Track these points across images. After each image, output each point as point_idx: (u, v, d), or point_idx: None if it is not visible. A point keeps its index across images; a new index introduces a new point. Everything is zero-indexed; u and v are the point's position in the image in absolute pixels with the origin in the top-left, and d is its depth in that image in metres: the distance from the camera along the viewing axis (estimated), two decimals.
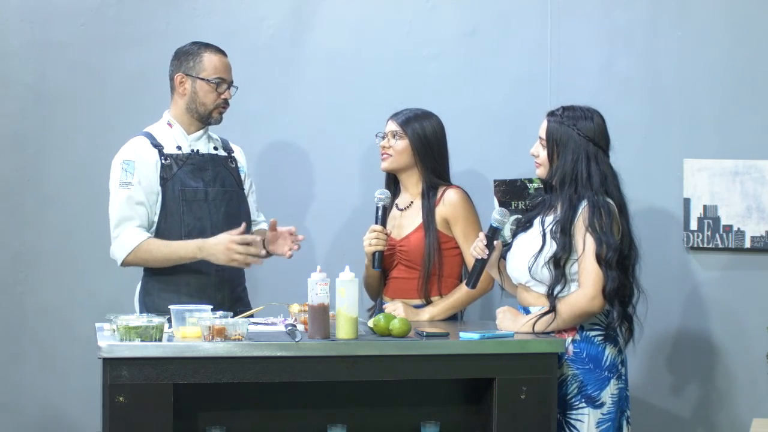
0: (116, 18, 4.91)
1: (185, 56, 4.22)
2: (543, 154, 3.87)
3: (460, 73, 4.97)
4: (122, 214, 4.13)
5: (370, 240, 4.21)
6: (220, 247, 4.03)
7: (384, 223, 4.24)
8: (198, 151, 4.24)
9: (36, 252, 4.90)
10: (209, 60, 4.20)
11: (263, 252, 4.13)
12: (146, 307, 4.19)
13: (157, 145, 4.19)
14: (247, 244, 4.03)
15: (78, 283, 4.88)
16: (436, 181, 4.26)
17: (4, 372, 4.89)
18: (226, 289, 4.23)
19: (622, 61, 4.91)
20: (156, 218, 4.16)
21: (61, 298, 4.90)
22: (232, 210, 4.25)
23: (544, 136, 3.86)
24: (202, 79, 4.19)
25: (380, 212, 4.24)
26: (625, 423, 3.85)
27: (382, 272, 4.30)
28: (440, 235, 4.21)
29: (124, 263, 4.15)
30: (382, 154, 4.30)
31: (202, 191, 4.20)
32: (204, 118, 4.23)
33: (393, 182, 4.38)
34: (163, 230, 4.16)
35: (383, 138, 4.30)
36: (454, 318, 4.23)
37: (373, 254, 4.21)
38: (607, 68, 4.91)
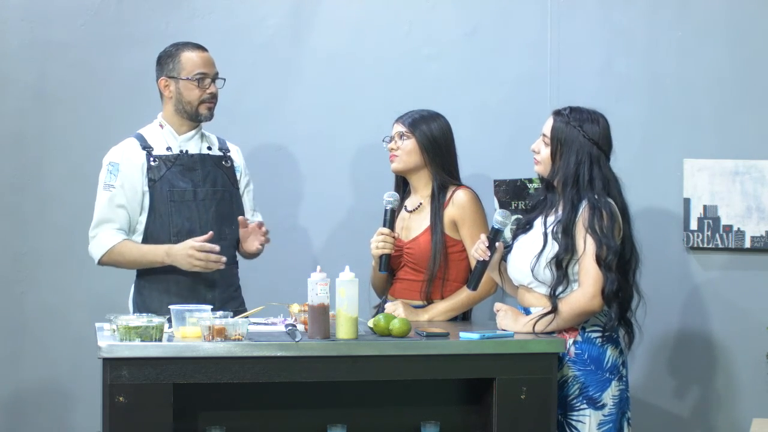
0: (116, 18, 4.91)
1: (165, 59, 4.25)
2: (545, 151, 3.86)
3: (460, 73, 4.97)
4: (102, 215, 4.19)
5: (377, 243, 4.19)
6: (183, 252, 4.08)
7: (392, 227, 4.22)
8: (187, 151, 4.25)
9: (36, 252, 4.90)
10: (187, 58, 4.21)
11: (224, 258, 4.11)
12: (138, 306, 4.22)
13: (146, 147, 4.21)
14: (208, 251, 4.06)
15: (78, 283, 4.88)
16: (447, 180, 4.23)
17: (4, 372, 4.89)
18: (218, 289, 4.23)
19: (622, 61, 4.91)
20: (144, 219, 4.18)
21: (61, 298, 4.90)
22: (223, 209, 4.25)
23: (548, 134, 3.85)
24: (184, 78, 4.20)
25: (388, 215, 4.22)
26: (626, 424, 3.84)
27: (389, 272, 4.29)
28: (447, 238, 4.19)
29: (100, 263, 4.22)
30: (391, 157, 4.28)
31: (190, 191, 4.21)
32: (193, 116, 4.24)
33: (402, 184, 4.36)
34: (152, 231, 4.18)
35: (390, 140, 4.28)
36: (455, 318, 4.22)
37: (380, 257, 4.20)
38: (607, 68, 4.91)
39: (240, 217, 4.24)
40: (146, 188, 4.18)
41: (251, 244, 4.25)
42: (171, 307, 3.69)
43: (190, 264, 4.08)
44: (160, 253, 4.13)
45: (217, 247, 4.09)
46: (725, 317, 4.83)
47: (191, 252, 4.07)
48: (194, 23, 4.92)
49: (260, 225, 4.23)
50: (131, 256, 4.16)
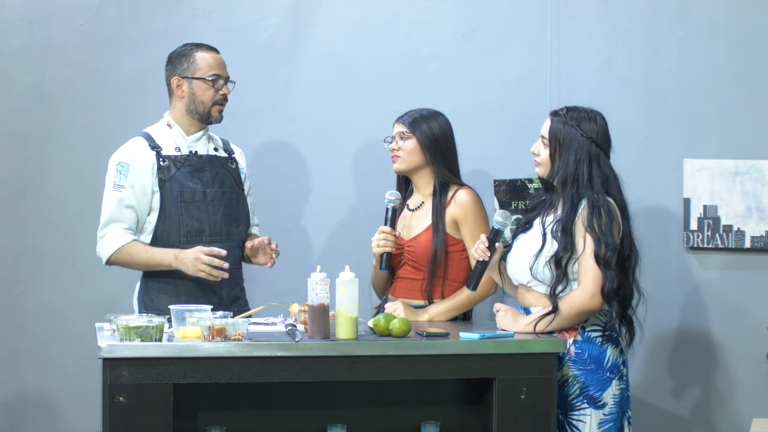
0: (116, 18, 4.91)
1: (178, 59, 4.24)
2: (544, 153, 3.87)
3: (460, 73, 4.97)
4: (111, 215, 4.18)
5: (379, 241, 4.20)
6: (190, 256, 4.08)
7: (393, 225, 4.23)
8: (196, 152, 4.25)
9: (36, 252, 4.90)
10: (202, 58, 4.22)
11: (225, 274, 4.11)
12: (145, 306, 4.22)
13: (155, 147, 4.21)
14: (215, 256, 4.06)
15: (77, 283, 4.88)
16: (449, 178, 4.24)
17: (4, 372, 4.89)
18: (225, 289, 4.23)
19: (622, 61, 4.91)
20: (154, 219, 4.18)
21: (60, 298, 4.90)
22: (230, 211, 4.26)
23: (546, 135, 3.86)
24: (198, 78, 4.20)
25: (389, 214, 4.22)
26: (626, 423, 3.85)
27: (390, 271, 4.29)
28: (448, 237, 4.20)
29: (109, 262, 4.22)
30: (393, 157, 4.28)
31: (200, 192, 4.21)
32: (204, 117, 4.25)
33: (404, 184, 4.36)
34: (161, 231, 4.18)
35: (391, 141, 4.29)
36: (455, 318, 4.22)
37: (381, 255, 4.20)
38: (607, 68, 4.91)
39: (248, 243, 4.24)
40: (156, 188, 4.18)
41: (261, 259, 4.27)
42: (171, 307, 3.70)
43: (195, 268, 4.07)
44: (168, 256, 4.12)
45: (224, 252, 4.09)
46: (725, 317, 4.83)
47: (199, 256, 4.07)
48: (194, 23, 4.92)
49: (269, 241, 4.23)
50: (139, 257, 4.15)
